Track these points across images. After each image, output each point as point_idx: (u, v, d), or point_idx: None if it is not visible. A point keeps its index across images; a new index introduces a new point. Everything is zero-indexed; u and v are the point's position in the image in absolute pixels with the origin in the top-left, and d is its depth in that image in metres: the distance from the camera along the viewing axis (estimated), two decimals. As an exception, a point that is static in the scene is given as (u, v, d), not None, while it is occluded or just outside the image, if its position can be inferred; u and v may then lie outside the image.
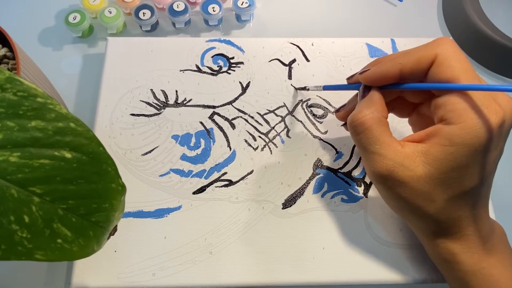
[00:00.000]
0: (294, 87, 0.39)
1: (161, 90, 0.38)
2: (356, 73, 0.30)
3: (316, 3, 0.48)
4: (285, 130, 0.37)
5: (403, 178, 0.26)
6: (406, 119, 0.33)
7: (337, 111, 0.34)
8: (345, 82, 0.40)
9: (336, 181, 0.35)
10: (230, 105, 0.38)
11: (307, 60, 0.41)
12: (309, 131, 0.37)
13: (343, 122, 0.34)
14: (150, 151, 0.36)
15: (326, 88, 0.34)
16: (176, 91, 0.38)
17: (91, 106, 0.40)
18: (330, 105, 0.39)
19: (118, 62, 0.39)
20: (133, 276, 0.31)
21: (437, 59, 0.26)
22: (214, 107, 0.38)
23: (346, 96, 0.39)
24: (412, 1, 0.49)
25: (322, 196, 0.35)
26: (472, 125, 0.24)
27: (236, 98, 0.38)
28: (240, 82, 0.39)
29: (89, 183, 0.20)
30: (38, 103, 0.20)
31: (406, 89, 0.28)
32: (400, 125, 0.37)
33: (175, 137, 0.37)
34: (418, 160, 0.25)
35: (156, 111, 0.37)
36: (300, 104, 0.39)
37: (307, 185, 0.35)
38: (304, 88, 0.38)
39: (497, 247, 0.28)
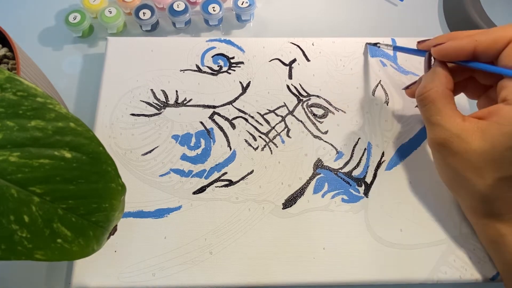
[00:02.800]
0: (367, 43, 0.41)
1: (161, 90, 0.38)
2: (427, 39, 0.32)
3: (316, 3, 0.48)
4: (286, 130, 0.37)
5: (457, 149, 0.27)
6: None
7: (406, 88, 0.36)
8: (345, 81, 0.40)
9: (336, 181, 0.35)
10: (230, 105, 0.38)
11: (308, 60, 0.41)
12: (310, 131, 0.37)
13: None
14: (150, 151, 0.36)
15: (396, 48, 0.37)
16: (176, 91, 0.38)
17: (91, 106, 0.40)
18: (331, 105, 0.38)
19: (118, 62, 0.39)
20: (133, 276, 0.31)
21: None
22: (214, 107, 0.38)
23: (348, 96, 0.39)
24: (413, 1, 0.49)
25: (323, 196, 0.35)
26: None
27: (236, 98, 0.38)
28: (240, 82, 0.39)
29: (89, 183, 0.20)
30: (38, 103, 0.20)
31: (472, 67, 0.29)
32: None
33: (175, 137, 0.36)
34: (476, 135, 0.26)
35: (156, 111, 0.37)
36: (301, 104, 0.38)
37: (308, 185, 0.35)
38: (375, 44, 0.40)
39: None
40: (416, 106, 0.37)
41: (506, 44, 0.27)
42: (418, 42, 0.33)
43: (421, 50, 0.33)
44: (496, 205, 0.28)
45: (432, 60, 0.32)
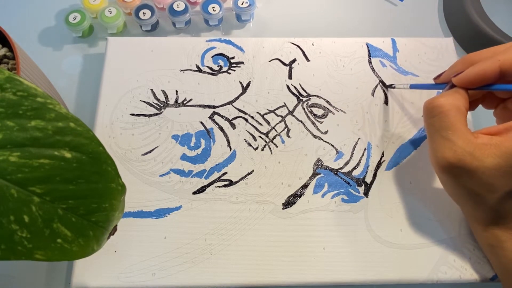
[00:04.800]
0: (386, 86, 0.39)
1: (161, 90, 0.38)
2: (443, 72, 0.30)
3: (316, 3, 0.48)
4: (286, 130, 0.37)
5: (470, 167, 0.26)
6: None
7: (438, 77, 0.32)
8: (344, 81, 0.39)
9: (336, 181, 0.35)
10: (230, 105, 0.38)
11: (308, 60, 0.41)
12: (310, 131, 0.37)
13: None
14: (150, 151, 0.36)
15: (412, 87, 0.35)
16: (176, 91, 0.38)
17: (91, 106, 0.40)
18: (331, 105, 0.38)
19: (118, 62, 0.39)
20: (133, 276, 0.31)
21: None
22: (214, 107, 0.38)
23: (348, 96, 0.39)
24: (413, 1, 0.49)
25: (323, 196, 0.35)
26: None
27: (236, 98, 0.38)
28: (240, 82, 0.39)
29: (89, 183, 0.20)
30: (38, 103, 0.20)
31: (498, 90, 0.27)
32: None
33: (175, 137, 0.36)
34: (489, 152, 0.26)
35: (156, 111, 0.37)
36: (301, 104, 0.38)
37: (308, 185, 0.35)
38: (390, 86, 0.39)
39: None
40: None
41: None
42: (435, 78, 0.32)
43: (440, 84, 0.31)
44: (501, 215, 0.27)
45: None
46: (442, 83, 0.31)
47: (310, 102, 0.39)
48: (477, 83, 0.28)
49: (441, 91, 0.32)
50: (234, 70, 0.40)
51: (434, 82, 0.33)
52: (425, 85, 0.35)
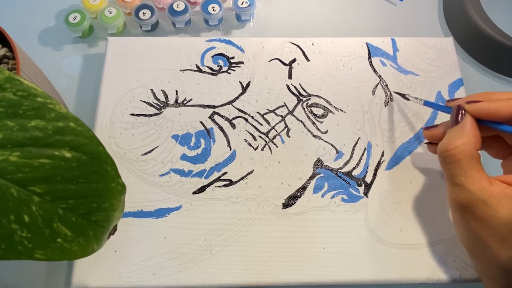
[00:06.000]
0: (395, 92, 0.39)
1: (161, 90, 0.38)
2: (458, 99, 0.30)
3: (316, 3, 0.48)
4: (285, 129, 0.37)
5: (481, 214, 0.25)
6: None
7: (426, 128, 0.33)
8: (344, 81, 0.39)
9: (336, 181, 0.35)
10: (230, 105, 0.38)
11: (308, 59, 0.41)
12: (309, 131, 0.37)
13: (427, 141, 0.34)
14: (150, 151, 0.36)
15: (426, 104, 0.34)
16: (176, 91, 0.38)
17: (91, 106, 0.40)
18: (331, 104, 0.38)
19: (118, 62, 0.39)
20: (133, 276, 0.31)
21: None
22: (214, 107, 0.38)
23: (348, 96, 0.39)
24: (413, 1, 0.49)
25: (323, 196, 0.35)
26: None
27: (236, 98, 0.38)
28: (240, 82, 0.39)
29: (89, 183, 0.20)
30: (38, 103, 0.20)
31: (505, 131, 0.27)
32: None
33: (175, 137, 0.36)
34: (504, 202, 0.25)
35: (156, 111, 0.37)
36: (300, 103, 0.38)
37: (307, 185, 0.35)
38: (403, 96, 0.38)
39: None
40: (427, 142, 0.34)
41: None
42: (448, 101, 0.31)
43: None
44: None
45: (460, 115, 0.29)
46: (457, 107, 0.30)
47: (310, 102, 0.39)
48: (489, 117, 0.27)
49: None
50: (234, 70, 0.40)
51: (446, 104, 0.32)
52: (438, 105, 0.34)
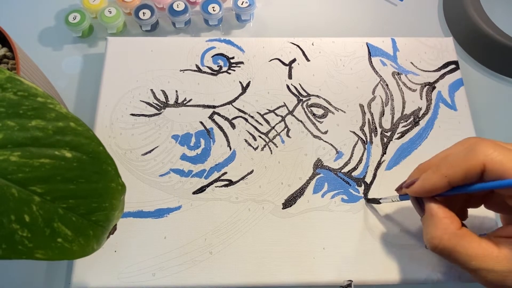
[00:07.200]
0: (367, 199, 0.35)
1: (161, 90, 0.38)
2: (403, 182, 0.29)
3: (316, 3, 0.48)
4: (285, 130, 0.37)
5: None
6: None
7: (406, 186, 0.29)
8: (344, 81, 0.39)
9: (336, 181, 0.35)
10: (230, 105, 0.38)
11: (307, 59, 0.41)
12: (309, 131, 0.37)
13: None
14: (150, 151, 0.36)
15: (402, 198, 0.30)
16: (176, 91, 0.38)
17: (91, 106, 0.40)
18: (331, 104, 0.39)
19: (118, 62, 0.39)
20: (133, 276, 0.31)
21: (486, 167, 0.24)
22: (214, 107, 0.38)
23: (348, 96, 0.39)
24: (413, 1, 0.49)
25: (322, 196, 0.35)
26: None
27: (236, 98, 0.38)
28: (240, 82, 0.39)
29: (89, 183, 0.20)
30: (38, 103, 0.20)
31: (457, 193, 0.26)
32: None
33: (175, 137, 0.36)
34: None
35: (156, 111, 0.37)
36: (300, 103, 0.38)
37: (307, 185, 0.35)
38: (376, 201, 0.34)
39: None
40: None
41: (480, 172, 0.24)
42: (396, 189, 0.30)
43: (404, 195, 0.29)
44: None
45: (419, 203, 0.28)
46: (405, 194, 0.29)
47: (310, 102, 0.39)
48: (430, 194, 0.26)
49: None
50: (234, 70, 0.40)
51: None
52: (401, 197, 0.31)
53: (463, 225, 0.26)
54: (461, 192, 0.25)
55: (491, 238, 0.25)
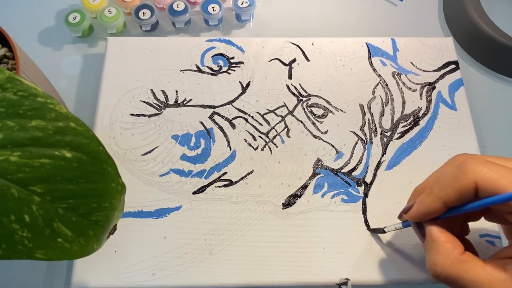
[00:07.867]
0: (371, 229, 0.34)
1: (161, 90, 0.38)
2: (403, 209, 0.28)
3: (316, 3, 0.48)
4: (285, 130, 0.37)
5: None
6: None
7: (404, 212, 0.29)
8: (344, 81, 0.39)
9: (336, 181, 0.35)
10: (230, 105, 0.38)
11: (307, 59, 0.41)
12: (309, 131, 0.37)
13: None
14: (150, 151, 0.36)
15: (405, 225, 0.30)
16: (176, 91, 0.38)
17: (91, 106, 0.40)
18: (331, 104, 0.39)
19: (118, 62, 0.39)
20: (133, 276, 0.31)
21: (478, 185, 0.23)
22: (214, 107, 0.38)
23: (348, 96, 0.39)
24: (413, 1, 0.49)
25: (322, 196, 0.35)
26: None
27: (236, 98, 0.38)
28: (240, 82, 0.39)
29: (89, 183, 0.20)
30: (38, 103, 0.20)
31: (455, 215, 0.25)
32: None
33: (175, 137, 0.36)
34: None
35: (156, 111, 0.37)
36: (300, 104, 0.38)
37: (307, 185, 0.35)
38: (381, 231, 0.33)
39: None
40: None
41: (474, 191, 0.23)
42: (399, 217, 0.30)
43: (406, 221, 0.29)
44: None
45: (420, 228, 0.27)
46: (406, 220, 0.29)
47: (310, 102, 0.39)
48: (428, 218, 0.26)
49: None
50: (234, 70, 0.40)
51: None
52: (404, 224, 0.30)
53: (465, 249, 0.25)
54: (458, 213, 0.25)
55: (496, 261, 0.24)
